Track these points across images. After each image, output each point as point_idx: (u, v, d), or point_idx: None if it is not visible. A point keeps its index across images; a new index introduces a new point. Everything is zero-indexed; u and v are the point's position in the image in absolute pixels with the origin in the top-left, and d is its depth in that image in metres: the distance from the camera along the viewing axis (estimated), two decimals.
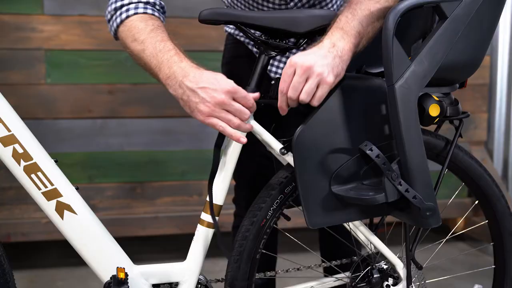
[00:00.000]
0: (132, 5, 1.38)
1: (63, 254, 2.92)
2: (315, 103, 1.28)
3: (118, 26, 1.41)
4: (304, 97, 1.27)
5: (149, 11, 1.39)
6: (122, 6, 1.39)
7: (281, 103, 1.30)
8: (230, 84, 1.29)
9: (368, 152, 1.27)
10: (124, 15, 1.39)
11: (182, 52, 1.35)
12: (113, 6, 1.40)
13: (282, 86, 1.28)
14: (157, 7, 1.42)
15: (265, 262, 1.64)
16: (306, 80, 1.26)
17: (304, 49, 1.61)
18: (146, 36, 1.35)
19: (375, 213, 1.39)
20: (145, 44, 1.35)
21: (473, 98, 3.27)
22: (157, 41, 1.34)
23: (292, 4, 1.56)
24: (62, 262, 2.86)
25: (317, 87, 1.27)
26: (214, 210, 1.39)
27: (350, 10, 1.31)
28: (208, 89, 1.30)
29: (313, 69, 1.25)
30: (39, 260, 2.98)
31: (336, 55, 1.27)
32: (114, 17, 1.41)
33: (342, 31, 1.29)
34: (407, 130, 1.22)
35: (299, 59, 1.26)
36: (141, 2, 1.39)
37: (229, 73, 1.74)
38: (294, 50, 1.46)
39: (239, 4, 1.62)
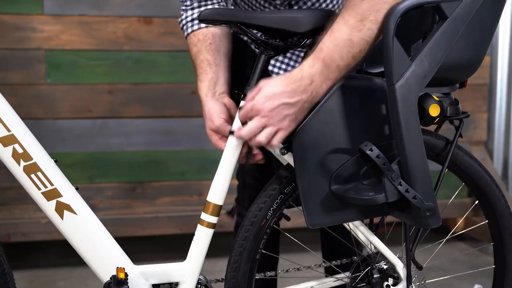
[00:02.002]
0: (184, 27, 1.58)
1: (63, 254, 2.91)
2: (270, 147, 1.33)
3: (186, 37, 1.60)
4: (262, 140, 1.29)
5: (201, 24, 1.54)
6: (185, 22, 1.58)
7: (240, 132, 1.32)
8: (210, 124, 1.44)
9: (368, 152, 1.27)
10: (185, 33, 1.58)
11: (205, 72, 1.51)
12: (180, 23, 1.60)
13: (244, 136, 1.30)
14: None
15: (267, 262, 1.64)
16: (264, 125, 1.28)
17: (303, 47, 1.61)
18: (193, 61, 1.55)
19: (375, 213, 1.39)
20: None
21: (473, 98, 3.27)
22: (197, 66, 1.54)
23: (296, 7, 1.56)
24: (62, 262, 2.86)
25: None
26: (214, 210, 1.39)
27: (331, 39, 1.27)
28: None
29: (274, 120, 1.26)
30: (39, 260, 2.98)
31: (309, 98, 1.26)
32: (183, 30, 1.60)
33: (322, 63, 1.26)
34: (407, 130, 1.22)
35: (263, 105, 1.26)
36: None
37: (234, 72, 1.74)
38: (290, 54, 1.45)
39: (242, 4, 1.62)
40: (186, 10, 1.57)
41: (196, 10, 1.56)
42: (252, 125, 1.28)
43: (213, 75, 1.50)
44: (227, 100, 1.48)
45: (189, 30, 1.55)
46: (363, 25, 1.25)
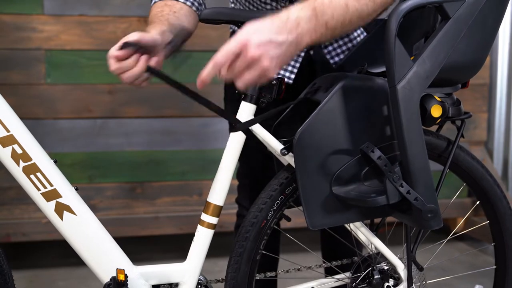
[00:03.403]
0: None
1: (63, 254, 2.91)
2: (240, 84, 1.18)
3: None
4: (248, 80, 1.17)
5: None
6: None
7: (206, 73, 1.17)
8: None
9: (369, 153, 1.26)
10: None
11: (160, 22, 1.43)
12: None
13: (220, 59, 1.15)
14: None
15: (267, 263, 1.64)
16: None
17: (311, 48, 1.60)
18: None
19: (376, 215, 1.39)
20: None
21: (473, 98, 3.27)
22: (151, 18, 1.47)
23: None
24: (62, 262, 2.86)
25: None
26: (214, 210, 1.39)
27: None
28: None
29: (261, 61, 1.14)
30: (39, 260, 2.98)
31: (294, 41, 1.17)
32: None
33: (313, 12, 1.19)
34: (409, 131, 1.21)
35: (251, 39, 1.13)
36: None
37: None
38: None
39: (243, 2, 1.62)
40: None
41: None
42: (238, 65, 1.15)
43: (168, 28, 1.41)
44: (160, 41, 1.38)
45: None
46: None
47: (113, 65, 1.34)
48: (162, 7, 1.49)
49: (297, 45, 1.18)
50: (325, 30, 1.21)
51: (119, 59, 1.33)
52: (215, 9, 1.40)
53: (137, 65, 1.34)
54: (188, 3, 1.52)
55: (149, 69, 1.36)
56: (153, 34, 1.37)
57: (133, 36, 1.33)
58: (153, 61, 1.38)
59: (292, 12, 1.18)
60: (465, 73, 1.34)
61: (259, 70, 1.15)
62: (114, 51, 1.33)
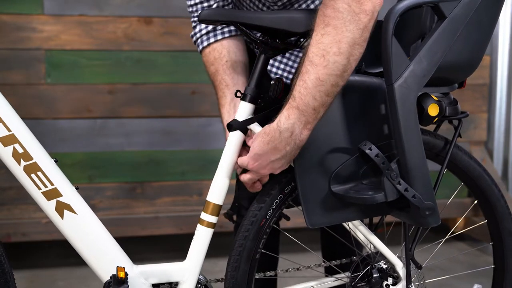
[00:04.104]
0: (199, 40, 1.57)
1: (63, 254, 2.92)
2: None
3: (200, 52, 1.59)
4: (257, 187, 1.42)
5: (212, 39, 1.54)
6: (195, 40, 1.59)
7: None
8: None
9: (367, 151, 1.27)
10: (199, 48, 1.58)
11: (224, 96, 1.52)
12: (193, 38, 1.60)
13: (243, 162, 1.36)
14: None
15: (267, 262, 1.65)
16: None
17: (302, 47, 1.61)
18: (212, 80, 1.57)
19: (374, 213, 1.39)
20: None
21: (473, 98, 3.27)
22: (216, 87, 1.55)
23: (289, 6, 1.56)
24: (62, 262, 2.86)
25: None
26: (213, 209, 1.40)
27: (301, 83, 1.24)
28: None
29: (270, 171, 1.35)
30: (39, 260, 2.98)
31: (293, 147, 1.29)
32: (196, 44, 1.60)
33: (298, 111, 1.25)
34: (406, 129, 1.22)
35: (255, 166, 1.33)
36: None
37: None
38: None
39: (238, 4, 1.63)
40: (196, 25, 1.57)
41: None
42: (251, 176, 1.38)
43: (232, 97, 1.50)
44: None
45: (204, 44, 1.55)
46: (326, 60, 1.22)
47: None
48: (214, 64, 1.53)
49: (299, 144, 1.29)
50: (316, 114, 1.26)
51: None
52: (214, 10, 1.41)
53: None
54: (226, 35, 1.55)
55: None
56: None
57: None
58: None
59: (282, 124, 1.27)
60: (461, 72, 1.35)
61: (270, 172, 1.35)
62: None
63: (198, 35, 1.56)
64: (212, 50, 1.54)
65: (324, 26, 1.22)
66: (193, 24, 1.58)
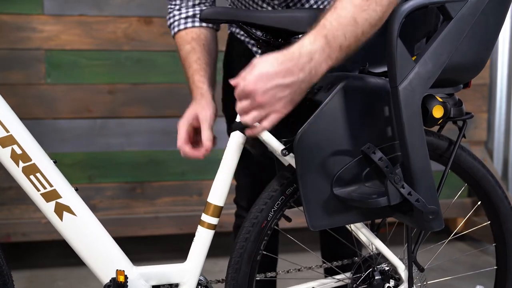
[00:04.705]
0: (176, 23, 1.58)
1: (63, 254, 2.91)
2: (256, 130, 1.26)
3: (173, 36, 1.61)
4: (248, 121, 1.21)
5: (190, 24, 1.56)
6: (172, 22, 1.60)
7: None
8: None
9: (371, 155, 1.26)
10: (175, 30, 1.59)
11: (205, 70, 1.54)
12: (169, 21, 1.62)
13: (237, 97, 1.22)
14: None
15: (266, 263, 1.64)
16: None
17: None
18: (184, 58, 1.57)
19: (377, 215, 1.38)
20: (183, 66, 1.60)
21: (473, 98, 3.27)
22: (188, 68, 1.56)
23: (291, 4, 1.55)
24: (62, 262, 2.85)
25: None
26: (214, 211, 1.39)
27: (335, 16, 1.18)
28: None
29: (267, 104, 1.17)
30: (39, 260, 2.98)
31: (307, 77, 1.17)
32: (171, 27, 1.61)
33: (325, 40, 1.17)
34: (411, 132, 1.21)
35: (256, 87, 1.16)
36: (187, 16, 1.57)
37: (229, 74, 1.74)
38: None
39: (239, 5, 1.62)
40: (174, 10, 1.60)
41: (184, 10, 1.58)
42: (244, 106, 1.20)
43: (211, 75, 1.52)
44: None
45: (181, 26, 1.56)
46: (367, 5, 1.19)
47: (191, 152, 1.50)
48: (191, 42, 1.54)
49: (311, 78, 1.19)
50: (340, 53, 1.20)
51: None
52: (215, 8, 1.40)
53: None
54: (204, 24, 1.58)
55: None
56: (209, 112, 1.51)
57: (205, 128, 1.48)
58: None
59: (304, 46, 1.17)
60: (467, 73, 1.34)
61: (267, 111, 1.19)
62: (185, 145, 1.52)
63: (176, 17, 1.58)
64: (190, 31, 1.55)
65: None
66: (169, 10, 1.61)
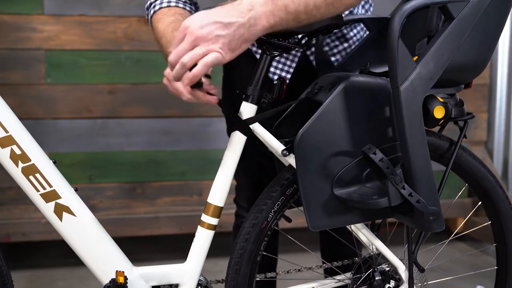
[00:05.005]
0: (158, 1, 1.54)
1: (63, 254, 2.90)
2: (198, 68, 1.16)
3: (151, 16, 1.55)
4: (186, 60, 1.15)
5: (173, 3, 1.52)
6: (153, 1, 1.55)
7: (167, 73, 1.21)
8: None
9: (371, 155, 1.25)
10: (156, 8, 1.54)
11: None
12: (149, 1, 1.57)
13: (173, 57, 1.16)
14: None
15: (266, 263, 1.64)
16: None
17: (308, 48, 1.60)
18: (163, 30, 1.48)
19: (377, 216, 1.38)
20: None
21: (473, 98, 3.27)
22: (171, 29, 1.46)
23: None
24: (62, 262, 2.86)
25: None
26: (214, 211, 1.38)
27: None
28: None
29: (204, 39, 1.13)
30: (39, 260, 2.98)
31: (246, 23, 1.14)
32: (151, 6, 1.55)
33: None
34: (412, 133, 1.20)
35: (193, 23, 1.13)
36: None
37: (229, 74, 1.74)
38: None
39: None
40: None
41: None
42: (180, 46, 1.15)
43: None
44: None
45: (164, 5, 1.52)
46: None
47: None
48: (174, 15, 1.50)
49: (250, 27, 1.16)
50: (285, 14, 1.18)
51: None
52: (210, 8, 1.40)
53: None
54: (187, 8, 1.55)
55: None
56: None
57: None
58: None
59: None
60: (468, 73, 1.34)
61: (204, 49, 1.14)
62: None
63: (158, 1, 1.54)
64: (174, 9, 1.52)
65: None
66: None
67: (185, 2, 1.55)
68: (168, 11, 1.51)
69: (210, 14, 1.15)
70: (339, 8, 1.24)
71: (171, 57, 1.17)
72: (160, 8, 1.52)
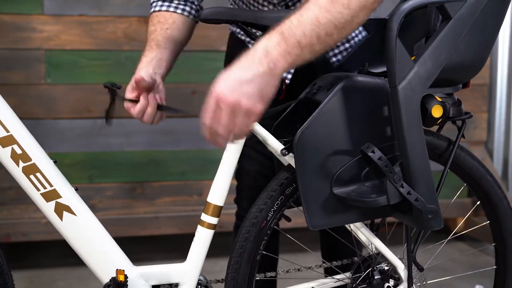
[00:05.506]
0: (154, 3, 1.61)
1: (63, 254, 2.91)
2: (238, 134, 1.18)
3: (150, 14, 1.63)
4: (223, 132, 1.16)
5: (164, 8, 1.58)
6: (152, 2, 1.63)
7: (208, 135, 1.19)
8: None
9: (370, 154, 1.26)
10: (150, 10, 1.62)
11: (151, 49, 1.57)
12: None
13: (206, 121, 1.16)
14: None
15: (266, 263, 1.64)
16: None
17: None
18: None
19: (376, 215, 1.38)
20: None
21: (473, 98, 3.27)
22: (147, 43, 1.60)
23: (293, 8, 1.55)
24: (62, 262, 2.86)
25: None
26: (214, 211, 1.39)
27: (297, 16, 1.18)
28: None
29: (240, 104, 1.13)
30: (39, 260, 2.98)
31: (266, 69, 1.14)
32: (154, 4, 1.63)
33: (281, 36, 1.16)
34: (410, 132, 1.21)
35: (222, 89, 1.14)
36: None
37: None
38: None
39: (240, 3, 1.62)
40: None
41: None
42: (222, 119, 1.15)
43: (157, 54, 1.53)
44: (159, 80, 1.51)
45: (156, 8, 1.59)
46: (333, 6, 1.17)
47: (133, 110, 1.49)
48: (155, 25, 1.57)
49: (271, 72, 1.16)
50: (299, 50, 1.17)
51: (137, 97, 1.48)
52: (215, 8, 1.40)
53: (150, 105, 1.49)
54: (178, 11, 1.57)
55: (160, 107, 1.50)
56: (147, 74, 1.51)
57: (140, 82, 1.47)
58: (158, 98, 1.51)
59: (259, 44, 1.17)
60: (466, 73, 1.34)
61: (243, 112, 1.14)
62: (129, 94, 1.50)
63: (154, 3, 1.61)
64: (160, 15, 1.58)
65: None
66: None
67: (177, 5, 1.57)
68: (154, 18, 1.59)
69: (232, 75, 1.15)
70: (350, 29, 1.22)
71: (208, 122, 1.16)
72: (153, 11, 1.59)
